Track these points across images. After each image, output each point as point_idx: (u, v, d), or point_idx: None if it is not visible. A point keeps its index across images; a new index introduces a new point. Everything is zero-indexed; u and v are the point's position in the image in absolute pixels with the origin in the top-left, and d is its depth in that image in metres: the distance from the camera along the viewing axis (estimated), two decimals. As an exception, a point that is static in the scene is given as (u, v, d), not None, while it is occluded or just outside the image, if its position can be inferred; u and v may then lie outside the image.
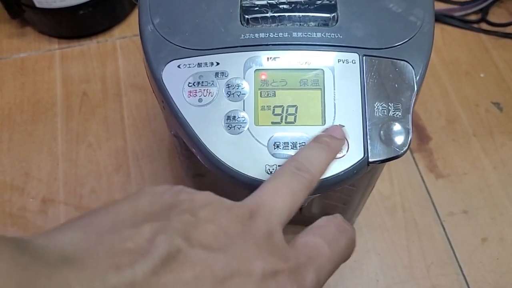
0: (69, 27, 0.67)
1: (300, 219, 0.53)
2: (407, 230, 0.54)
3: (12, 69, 0.66)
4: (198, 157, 0.30)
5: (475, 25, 0.70)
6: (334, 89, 0.29)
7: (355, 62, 0.30)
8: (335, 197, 0.45)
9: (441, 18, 0.70)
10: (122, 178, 0.58)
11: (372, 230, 0.54)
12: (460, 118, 0.62)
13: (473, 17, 0.71)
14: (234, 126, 0.29)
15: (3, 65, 0.66)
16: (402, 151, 0.29)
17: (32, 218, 0.55)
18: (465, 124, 0.62)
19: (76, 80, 0.65)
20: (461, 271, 0.52)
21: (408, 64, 0.30)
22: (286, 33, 0.30)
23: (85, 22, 0.67)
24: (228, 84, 0.30)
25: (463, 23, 0.70)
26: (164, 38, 0.31)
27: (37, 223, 0.55)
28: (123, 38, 0.69)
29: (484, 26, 0.70)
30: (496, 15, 0.71)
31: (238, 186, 0.29)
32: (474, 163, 0.59)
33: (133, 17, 0.71)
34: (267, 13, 0.31)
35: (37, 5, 0.62)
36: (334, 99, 0.29)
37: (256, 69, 0.30)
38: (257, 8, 0.31)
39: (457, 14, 0.70)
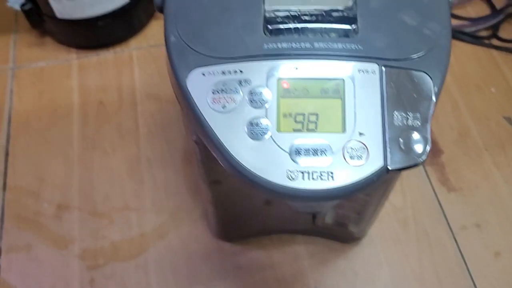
0: (87, 37, 0.69)
1: (313, 230, 0.53)
2: (419, 242, 0.55)
3: (30, 77, 0.67)
4: (220, 162, 0.31)
5: (486, 41, 0.70)
6: (355, 98, 0.30)
7: (375, 73, 0.31)
8: (350, 207, 0.45)
9: (452, 33, 0.70)
10: (136, 185, 0.59)
11: (384, 242, 0.55)
12: (471, 132, 0.63)
13: (484, 33, 0.72)
14: (256, 132, 0.30)
15: (22, 73, 0.68)
16: (421, 160, 0.29)
17: (47, 223, 0.56)
18: (477, 138, 0.62)
19: (92, 89, 0.66)
20: (474, 285, 0.52)
21: (427, 75, 0.31)
22: (308, 44, 0.31)
23: (103, 33, 0.68)
24: (251, 92, 0.30)
25: (474, 39, 0.70)
26: (189, 46, 0.32)
27: (51, 228, 0.56)
28: (139, 48, 0.70)
29: (495, 42, 0.70)
30: (507, 31, 0.72)
31: (259, 191, 0.30)
32: (486, 176, 0.59)
33: (149, 29, 0.73)
34: (289, 24, 0.31)
35: (58, 15, 0.64)
36: (354, 108, 0.30)
37: (278, 78, 0.30)
38: (280, 19, 0.32)
39: (468, 30, 0.71)
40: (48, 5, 0.63)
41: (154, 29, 0.73)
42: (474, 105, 0.65)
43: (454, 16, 0.72)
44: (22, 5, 0.64)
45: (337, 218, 0.49)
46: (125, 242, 0.55)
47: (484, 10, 0.74)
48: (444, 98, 0.66)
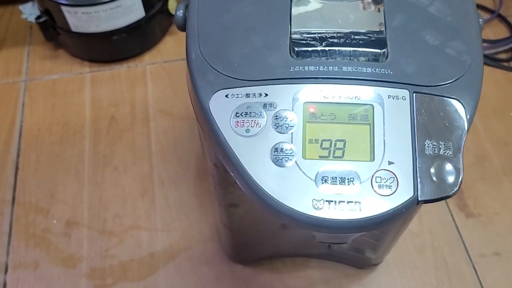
0: (101, 51, 0.68)
1: (328, 254, 0.52)
2: (437, 269, 0.53)
3: (43, 90, 0.67)
4: (243, 188, 0.29)
5: (505, 64, 0.69)
6: (384, 125, 0.29)
7: (405, 99, 0.29)
8: (369, 233, 0.44)
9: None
10: (147, 204, 0.57)
11: (401, 268, 0.53)
12: (489, 156, 0.61)
13: (503, 56, 0.71)
14: (281, 158, 0.29)
15: (35, 86, 0.67)
16: (453, 191, 0.28)
17: (55, 240, 0.55)
18: (495, 163, 0.61)
19: (105, 104, 0.66)
20: (494, 315, 0.50)
21: (459, 103, 0.30)
22: (336, 67, 0.30)
23: (117, 47, 0.68)
24: (276, 116, 0.29)
25: (493, 61, 0.69)
26: (212, 67, 0.31)
27: (59, 246, 0.54)
28: (153, 64, 0.70)
29: (514, 65, 0.69)
30: (527, 54, 0.71)
31: (282, 220, 0.29)
32: (505, 203, 0.58)
33: (164, 44, 0.72)
34: (317, 46, 0.30)
35: (73, 29, 0.63)
36: (384, 135, 0.29)
37: (305, 102, 0.29)
38: (307, 41, 0.31)
39: (487, 52, 0.70)
40: (63, 18, 0.62)
41: (168, 45, 0.72)
42: (492, 129, 0.64)
43: (472, 38, 0.71)
44: (37, 18, 0.64)
45: (354, 244, 0.48)
46: (134, 262, 0.53)
47: (504, 32, 0.73)
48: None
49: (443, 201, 0.58)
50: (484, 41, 0.71)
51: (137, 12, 0.64)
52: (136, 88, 0.67)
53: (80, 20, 0.62)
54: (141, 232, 0.55)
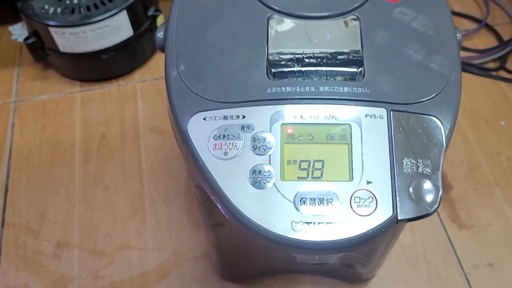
0: (91, 70, 0.68)
1: (319, 270, 0.52)
2: (431, 283, 0.53)
3: (33, 111, 0.67)
4: (222, 211, 0.29)
5: (494, 73, 0.69)
6: (362, 144, 0.29)
7: (382, 117, 0.29)
8: (358, 250, 0.43)
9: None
10: (138, 223, 0.57)
11: (394, 283, 0.53)
12: (481, 167, 0.61)
13: (491, 65, 0.71)
14: (259, 181, 0.28)
15: (25, 106, 0.67)
16: (433, 209, 0.28)
17: (46, 262, 0.55)
18: (487, 173, 0.60)
19: (95, 123, 0.66)
20: (488, 328, 0.49)
21: (437, 120, 0.30)
22: (313, 87, 0.30)
23: (107, 66, 0.68)
24: (254, 138, 0.29)
25: (482, 71, 0.69)
26: (190, 89, 0.31)
27: (50, 267, 0.54)
28: (143, 81, 0.70)
29: (503, 74, 0.69)
30: (515, 63, 0.71)
31: (262, 242, 0.28)
32: (497, 213, 0.57)
33: (154, 61, 0.73)
34: (293, 67, 0.30)
35: (61, 49, 0.63)
36: (362, 155, 0.29)
37: (282, 123, 0.29)
38: (283, 62, 0.31)
39: (475, 62, 0.70)
40: (51, 39, 0.62)
41: (159, 62, 0.72)
42: (484, 139, 0.63)
43: (461, 48, 0.71)
44: (26, 39, 0.64)
45: (345, 260, 0.47)
46: (125, 282, 0.53)
47: (491, 42, 0.73)
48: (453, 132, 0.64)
49: (435, 213, 0.57)
50: (473, 50, 0.71)
51: (125, 31, 0.64)
52: (127, 106, 0.67)
53: (68, 41, 0.62)
54: (132, 252, 0.55)
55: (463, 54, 0.71)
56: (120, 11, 0.62)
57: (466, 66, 0.69)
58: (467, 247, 0.55)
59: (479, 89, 0.68)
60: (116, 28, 0.63)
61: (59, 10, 0.62)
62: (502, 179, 0.60)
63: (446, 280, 0.53)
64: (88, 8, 0.62)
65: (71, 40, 0.62)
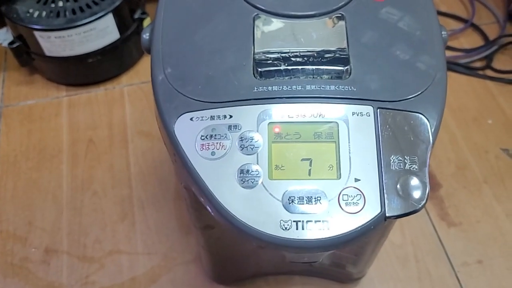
0: (77, 74, 0.68)
1: (310, 270, 0.51)
2: (421, 281, 0.53)
3: (19, 116, 0.66)
4: (210, 211, 0.29)
5: (481, 72, 0.70)
6: (349, 142, 0.29)
7: (369, 115, 0.29)
8: (347, 248, 0.43)
9: (446, 65, 0.70)
10: (127, 227, 0.57)
11: (384, 281, 0.53)
12: (469, 165, 0.61)
13: (478, 64, 0.71)
14: (247, 180, 0.28)
15: (11, 112, 0.67)
16: (420, 206, 0.28)
17: (34, 269, 0.54)
18: (475, 171, 0.61)
19: (82, 127, 0.65)
20: (479, 325, 0.50)
21: (423, 117, 0.30)
22: (300, 86, 0.30)
23: (94, 70, 0.67)
24: (241, 137, 0.29)
25: (469, 70, 0.70)
26: (177, 90, 0.31)
27: (38, 275, 0.53)
28: (130, 85, 0.70)
29: (489, 72, 0.70)
30: (501, 62, 0.71)
31: (251, 241, 0.28)
32: (486, 210, 0.58)
33: (141, 65, 0.72)
34: (280, 66, 0.30)
35: (47, 53, 0.63)
36: (349, 152, 0.29)
37: (269, 122, 0.29)
38: (270, 61, 0.31)
39: (462, 61, 0.71)
40: (36, 43, 0.62)
41: (146, 65, 0.72)
42: (471, 137, 0.64)
43: (448, 48, 0.72)
44: (10, 43, 0.63)
45: (334, 259, 0.47)
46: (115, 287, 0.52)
47: (478, 41, 0.73)
48: (440, 130, 0.64)
49: (424, 211, 0.58)
50: (459, 50, 0.72)
51: (112, 34, 0.64)
52: (114, 110, 0.67)
53: (54, 45, 0.61)
54: (122, 257, 0.54)
55: (449, 53, 0.72)
56: (106, 14, 0.61)
57: (453, 66, 0.70)
58: (456, 245, 0.55)
59: (466, 88, 0.69)
60: (102, 32, 0.62)
61: (44, 13, 0.61)
62: (491, 177, 0.60)
63: (436, 277, 0.53)
64: (74, 11, 0.61)
65: (56, 44, 0.61)
